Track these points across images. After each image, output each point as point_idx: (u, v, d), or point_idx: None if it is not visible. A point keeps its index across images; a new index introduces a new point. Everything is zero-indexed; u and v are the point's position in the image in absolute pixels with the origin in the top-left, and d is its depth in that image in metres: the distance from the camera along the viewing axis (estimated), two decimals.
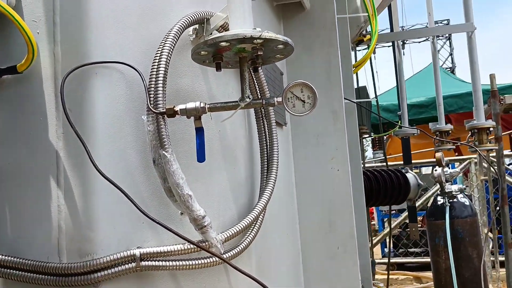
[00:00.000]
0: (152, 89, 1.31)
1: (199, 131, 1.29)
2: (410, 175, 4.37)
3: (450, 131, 3.89)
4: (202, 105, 1.26)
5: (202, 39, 1.49)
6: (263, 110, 1.60)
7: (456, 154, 11.03)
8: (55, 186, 1.34)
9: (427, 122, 8.57)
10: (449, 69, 22.09)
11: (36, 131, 1.36)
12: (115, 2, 1.40)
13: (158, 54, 1.33)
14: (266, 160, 1.58)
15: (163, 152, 1.27)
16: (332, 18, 2.31)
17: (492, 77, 3.87)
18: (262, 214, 1.52)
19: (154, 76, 1.31)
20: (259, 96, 1.51)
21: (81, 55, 1.35)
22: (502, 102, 3.94)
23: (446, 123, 4.60)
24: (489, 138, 3.85)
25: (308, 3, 2.31)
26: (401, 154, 4.15)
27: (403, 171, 4.39)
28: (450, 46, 28.63)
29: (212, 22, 1.43)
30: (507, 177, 6.51)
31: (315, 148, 2.27)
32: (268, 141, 1.60)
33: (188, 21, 1.38)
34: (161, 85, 1.29)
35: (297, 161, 2.27)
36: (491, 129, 3.62)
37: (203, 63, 1.32)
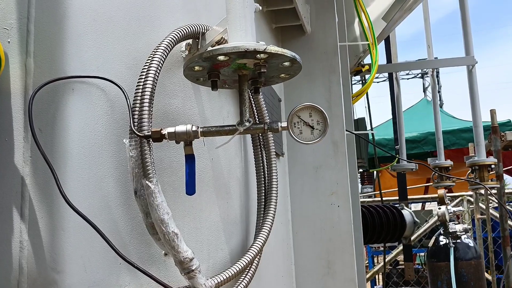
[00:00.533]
0: (137, 109, 1.13)
1: (190, 159, 1.11)
2: (406, 212, 4.20)
3: (450, 167, 3.75)
4: (194, 128, 1.08)
5: None
6: (261, 137, 1.43)
7: (446, 190, 10.90)
8: (18, 218, 1.14)
9: (419, 158, 8.47)
10: None
11: None
12: (98, 11, 1.24)
13: (145, 70, 1.16)
14: (263, 195, 1.40)
15: (147, 182, 1.09)
16: (334, 43, 2.17)
17: (492, 112, 3.75)
18: (258, 257, 1.32)
19: (140, 94, 1.13)
20: (258, 121, 1.34)
21: (57, 68, 1.18)
22: (503, 139, 3.82)
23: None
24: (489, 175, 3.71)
25: (309, 27, 2.17)
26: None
27: (399, 207, 4.22)
28: (438, 83, 29.03)
29: (208, 37, 1.27)
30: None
31: (314, 182, 2.09)
32: (266, 173, 1.42)
33: (180, 34, 1.22)
34: (147, 105, 1.11)
35: (294, 195, 2.09)
36: (493, 166, 3.49)
37: (197, 81, 1.15)
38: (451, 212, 3.02)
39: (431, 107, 11.84)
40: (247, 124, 1.07)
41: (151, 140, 1.10)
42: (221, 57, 0.99)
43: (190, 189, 1.11)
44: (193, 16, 1.36)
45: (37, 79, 1.18)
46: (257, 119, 1.36)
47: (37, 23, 1.20)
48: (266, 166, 1.43)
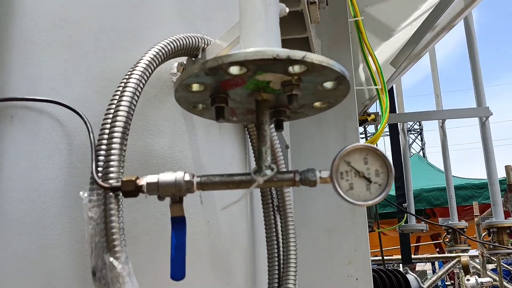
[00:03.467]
0: (103, 149, 0.77)
1: (179, 224, 0.73)
2: (411, 277, 3.81)
3: (465, 229, 3.38)
4: (187, 177, 0.71)
5: None
6: (273, 193, 1.06)
7: (438, 250, 10.49)
8: None
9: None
10: None
11: None
12: (61, 14, 0.90)
13: (117, 96, 0.81)
14: (277, 271, 1.02)
15: (111, 259, 0.71)
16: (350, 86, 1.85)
17: (508, 169, 3.46)
18: None
19: (107, 129, 0.77)
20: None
21: None
22: None
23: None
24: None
25: None
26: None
27: (403, 271, 3.83)
28: (422, 140, 29.15)
29: (208, 54, 0.93)
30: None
31: (327, 248, 1.71)
32: (281, 241, 1.04)
33: (167, 48, 0.88)
34: (117, 144, 0.75)
35: (303, 264, 1.69)
36: None
37: (193, 109, 0.79)
38: (479, 284, 2.65)
39: (423, 163, 11.57)
40: (268, 172, 0.71)
41: (120, 194, 0.73)
42: (234, 68, 0.64)
43: (178, 271, 0.72)
44: (191, 29, 1.02)
45: None
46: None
47: None
48: (281, 232, 1.05)
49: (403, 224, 3.48)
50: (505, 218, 3.12)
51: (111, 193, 0.73)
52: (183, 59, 0.97)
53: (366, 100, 3.08)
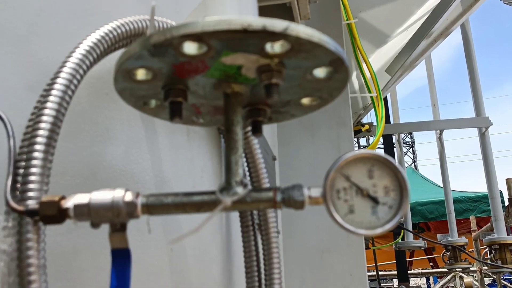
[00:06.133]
0: (23, 161, 0.58)
1: (120, 258, 0.55)
2: None
3: (465, 246, 3.20)
4: (129, 197, 0.53)
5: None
6: (254, 212, 0.88)
7: (431, 264, 10.30)
8: None
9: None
10: None
11: None
12: None
13: (43, 95, 0.63)
14: None
15: None
16: (345, 91, 1.68)
17: (509, 182, 3.30)
18: None
19: (29, 133, 0.59)
20: (256, 185, 0.79)
21: None
22: None
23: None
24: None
25: None
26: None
27: None
28: (413, 153, 29.00)
29: None
30: None
31: (319, 272, 1.52)
32: (262, 269, 0.86)
33: (116, 32, 0.70)
34: (39, 153, 0.56)
35: None
36: None
37: (144, 106, 0.60)
38: None
39: (416, 176, 11.47)
40: (239, 190, 0.52)
41: (38, 220, 0.54)
42: (190, 46, 0.46)
43: None
44: (157, 14, 0.84)
45: None
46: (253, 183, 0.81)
47: None
48: (263, 258, 0.87)
49: (399, 241, 3.30)
50: (507, 234, 2.95)
51: (29, 219, 0.54)
52: None
53: (360, 110, 2.92)
